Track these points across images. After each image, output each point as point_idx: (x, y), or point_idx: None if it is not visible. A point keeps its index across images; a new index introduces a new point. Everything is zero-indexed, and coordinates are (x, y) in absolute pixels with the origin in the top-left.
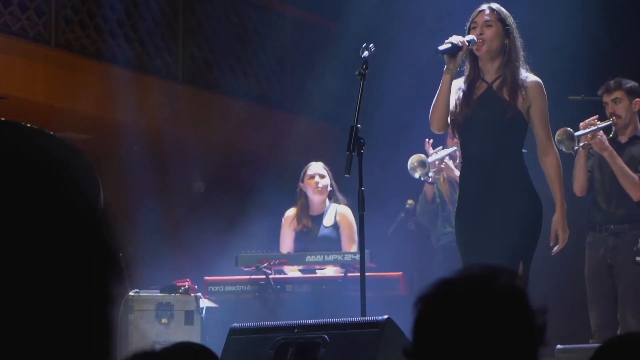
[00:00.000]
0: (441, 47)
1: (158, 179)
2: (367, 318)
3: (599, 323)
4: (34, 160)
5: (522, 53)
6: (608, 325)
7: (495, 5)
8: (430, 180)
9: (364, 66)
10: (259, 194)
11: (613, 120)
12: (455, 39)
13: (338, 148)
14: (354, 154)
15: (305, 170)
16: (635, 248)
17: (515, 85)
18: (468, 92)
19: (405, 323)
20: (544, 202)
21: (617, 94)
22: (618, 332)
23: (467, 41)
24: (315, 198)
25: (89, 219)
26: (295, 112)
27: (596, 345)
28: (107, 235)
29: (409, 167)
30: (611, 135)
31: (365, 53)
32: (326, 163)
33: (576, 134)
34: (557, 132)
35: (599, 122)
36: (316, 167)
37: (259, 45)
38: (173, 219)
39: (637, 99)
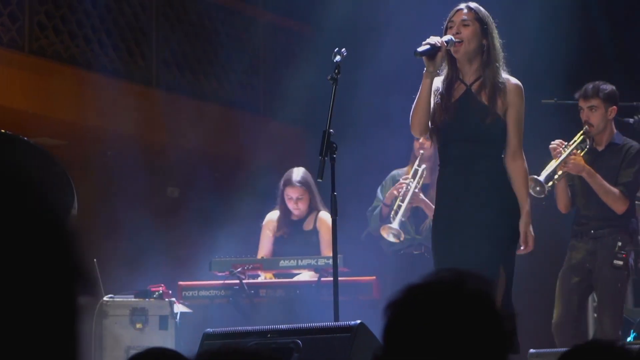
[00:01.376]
0: (419, 49)
1: (132, 184)
2: (340, 323)
3: (558, 321)
4: (1, 170)
5: (502, 54)
6: (566, 323)
7: (473, 4)
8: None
9: (336, 70)
10: (233, 199)
11: (586, 128)
12: (433, 39)
13: (311, 152)
14: (326, 158)
15: (285, 187)
16: (613, 252)
17: (495, 88)
18: (446, 94)
19: (379, 327)
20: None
21: (594, 102)
22: (592, 335)
23: (445, 41)
24: (295, 213)
25: (57, 230)
26: (268, 116)
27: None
28: (76, 245)
29: (383, 234)
30: (587, 147)
31: (338, 57)
32: (304, 169)
33: (544, 175)
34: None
35: (566, 144)
36: (293, 192)
37: (231, 49)
38: (147, 224)
39: (614, 107)
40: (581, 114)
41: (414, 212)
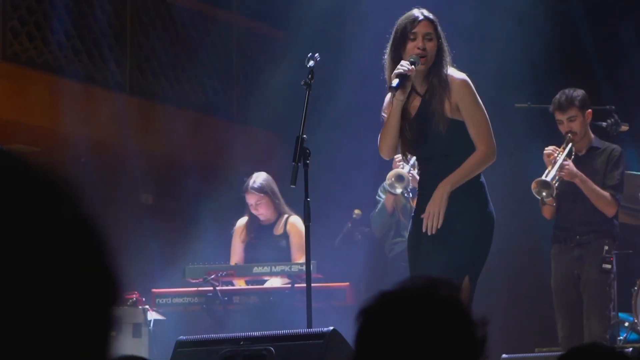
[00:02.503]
0: (394, 84)
1: (106, 190)
2: (313, 329)
3: (565, 334)
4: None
5: (449, 57)
6: (575, 335)
7: (431, 15)
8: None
9: (310, 76)
10: (207, 205)
11: (570, 138)
12: (402, 68)
13: (285, 158)
14: (299, 164)
15: (244, 191)
16: (601, 256)
17: (442, 92)
18: (404, 110)
19: (352, 334)
20: (498, 215)
21: (572, 112)
22: (585, 341)
23: (412, 63)
24: (260, 217)
25: (96, 238)
26: (241, 121)
27: (543, 354)
28: (110, 253)
29: (387, 185)
30: (572, 155)
31: (311, 63)
32: (273, 173)
33: (548, 178)
34: (532, 185)
35: (559, 151)
36: (251, 197)
37: (205, 55)
38: (121, 230)
39: (589, 110)
40: (560, 126)
41: None
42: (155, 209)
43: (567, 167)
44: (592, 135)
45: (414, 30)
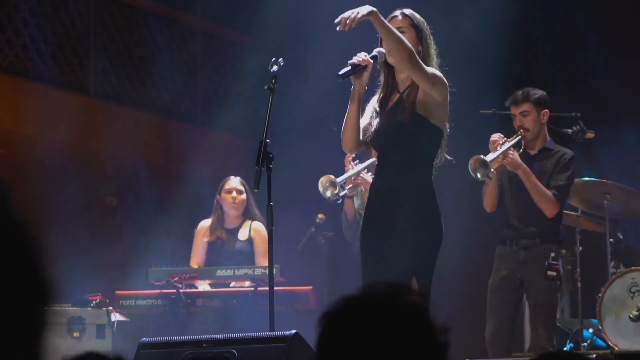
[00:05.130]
0: (341, 72)
1: (70, 193)
2: (275, 333)
3: (492, 334)
4: None
5: (436, 60)
6: (500, 336)
7: (408, 11)
8: (344, 196)
9: (273, 80)
10: (171, 208)
11: (521, 133)
12: (357, 58)
13: (249, 162)
14: (263, 168)
15: (223, 184)
16: (546, 263)
17: (416, 87)
18: (382, 105)
19: (315, 337)
20: (460, 220)
21: (525, 107)
22: (528, 345)
23: (372, 57)
24: (231, 212)
25: (26, 241)
26: (205, 125)
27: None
28: (41, 254)
29: (320, 189)
30: (521, 150)
31: (275, 67)
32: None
33: (488, 158)
34: (470, 162)
35: (506, 139)
36: (234, 182)
37: (169, 58)
38: (84, 232)
39: (546, 110)
40: (514, 121)
41: None
42: (119, 211)
43: (511, 155)
44: (548, 138)
45: None
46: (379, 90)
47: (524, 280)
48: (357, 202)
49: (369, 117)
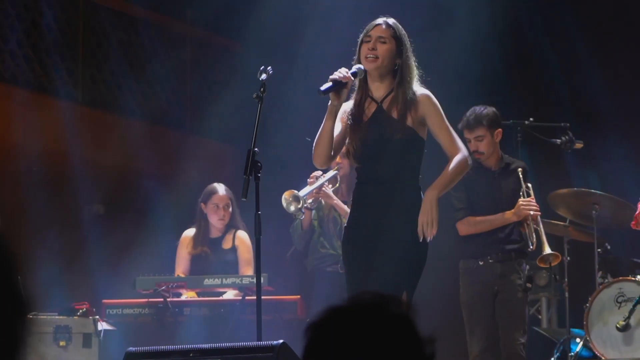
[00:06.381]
0: (323, 87)
1: (57, 200)
2: (263, 342)
3: (483, 347)
4: None
5: (417, 72)
6: (490, 349)
7: (391, 21)
8: (306, 210)
9: (262, 89)
10: (158, 216)
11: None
12: (338, 74)
13: (237, 170)
14: (251, 177)
15: (210, 195)
16: (523, 275)
17: (406, 104)
18: (358, 114)
19: (302, 347)
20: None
21: (480, 132)
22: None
23: (352, 73)
24: (218, 225)
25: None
26: (194, 133)
27: None
28: (17, 267)
29: (283, 204)
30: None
31: (264, 76)
32: (225, 185)
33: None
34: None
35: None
36: (222, 196)
37: (158, 65)
38: (72, 241)
39: (499, 130)
40: (469, 144)
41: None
42: (106, 219)
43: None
44: (500, 152)
45: (370, 33)
46: (352, 96)
47: (500, 292)
48: (314, 213)
49: (343, 126)
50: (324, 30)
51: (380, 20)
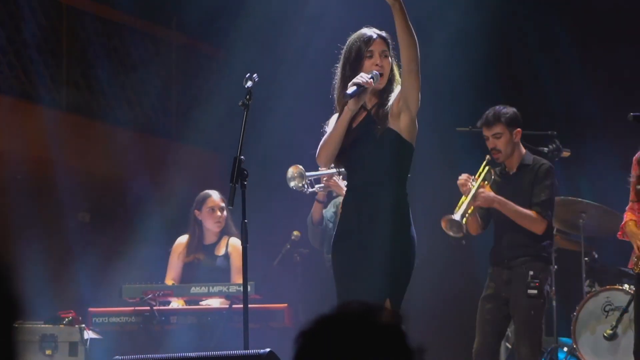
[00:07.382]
0: (349, 91)
1: (42, 208)
2: (250, 351)
3: (477, 349)
4: None
5: (396, 70)
6: (483, 351)
7: (385, 34)
8: (316, 198)
9: (248, 96)
10: (144, 224)
11: (488, 158)
12: (361, 79)
13: (223, 177)
14: (237, 185)
15: (204, 201)
16: (527, 281)
17: (391, 107)
18: (349, 122)
19: (290, 356)
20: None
21: (497, 129)
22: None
23: (371, 77)
24: (214, 229)
25: None
26: (180, 140)
27: None
28: (11, 274)
29: (287, 176)
30: (493, 177)
31: (249, 83)
32: None
33: (457, 216)
34: (442, 224)
35: (473, 178)
36: (217, 199)
37: (143, 72)
38: (57, 249)
39: (518, 129)
40: (487, 142)
41: None
42: (92, 227)
43: (482, 195)
44: (524, 151)
45: (370, 49)
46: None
47: (509, 299)
48: (327, 213)
49: None
50: (308, 38)
51: (373, 34)
